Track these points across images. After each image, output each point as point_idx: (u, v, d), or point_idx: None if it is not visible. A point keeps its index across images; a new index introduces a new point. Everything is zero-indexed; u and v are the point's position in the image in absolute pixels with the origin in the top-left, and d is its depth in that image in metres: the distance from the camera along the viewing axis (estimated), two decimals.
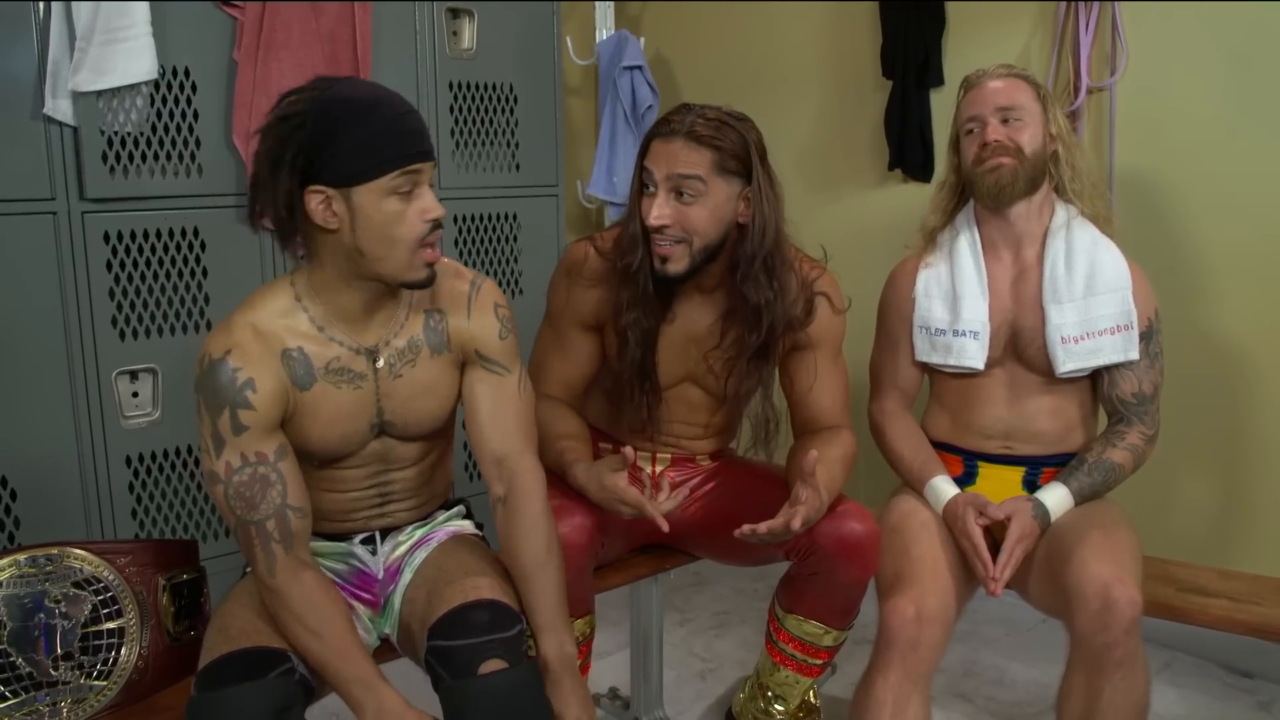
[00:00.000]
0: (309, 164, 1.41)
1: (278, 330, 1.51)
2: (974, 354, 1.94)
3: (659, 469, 2.00)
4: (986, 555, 1.80)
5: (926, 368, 2.05)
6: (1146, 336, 1.91)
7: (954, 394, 2.01)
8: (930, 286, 2.00)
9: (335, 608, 1.49)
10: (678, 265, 1.77)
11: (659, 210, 1.73)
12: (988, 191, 1.90)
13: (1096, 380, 1.96)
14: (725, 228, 1.78)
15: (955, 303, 1.96)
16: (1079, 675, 1.70)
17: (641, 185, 1.79)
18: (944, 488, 1.92)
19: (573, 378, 1.94)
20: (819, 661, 1.98)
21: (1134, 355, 1.89)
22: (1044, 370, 1.93)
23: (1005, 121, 1.88)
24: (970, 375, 1.97)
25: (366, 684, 1.43)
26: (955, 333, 1.95)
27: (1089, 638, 1.66)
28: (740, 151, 1.75)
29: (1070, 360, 1.89)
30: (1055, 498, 1.86)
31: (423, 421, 1.63)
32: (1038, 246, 1.94)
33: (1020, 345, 1.94)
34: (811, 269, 1.90)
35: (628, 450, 1.69)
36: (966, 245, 1.98)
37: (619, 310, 1.85)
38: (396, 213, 1.44)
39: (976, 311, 1.94)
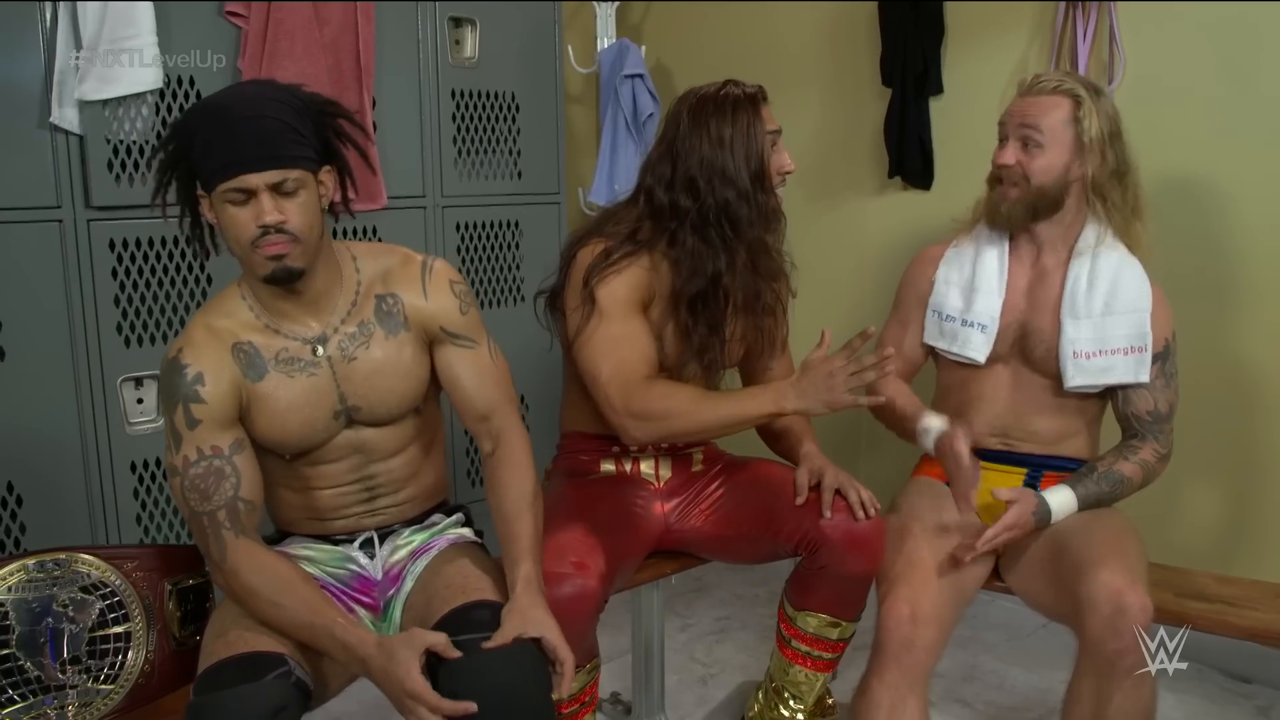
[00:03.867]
0: (190, 169, 1.51)
1: (229, 326, 1.58)
2: (978, 346, 1.97)
3: (663, 476, 2.03)
4: (967, 474, 1.80)
5: (933, 355, 2.08)
6: (1162, 357, 1.91)
7: (957, 389, 2.04)
8: (950, 273, 2.03)
9: (290, 573, 1.53)
10: None
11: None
12: (988, 214, 1.96)
13: (1110, 398, 1.97)
14: None
15: (971, 294, 1.99)
16: (1088, 681, 1.71)
17: (772, 145, 1.94)
18: (934, 421, 1.92)
19: (654, 356, 1.90)
20: (832, 655, 2.03)
21: (1144, 378, 1.90)
22: (1050, 374, 1.95)
23: (1025, 143, 1.89)
24: (973, 368, 1.99)
25: (330, 632, 1.47)
26: (964, 322, 1.98)
27: (1100, 644, 1.66)
28: None
29: (1080, 375, 1.91)
30: (1059, 499, 1.87)
31: (389, 401, 1.65)
32: (1063, 255, 1.96)
33: (1028, 345, 1.96)
34: None
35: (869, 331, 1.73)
36: (995, 241, 2.00)
37: (676, 275, 1.89)
38: (232, 218, 1.49)
39: (989, 306, 1.97)
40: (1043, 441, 1.98)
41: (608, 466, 2.03)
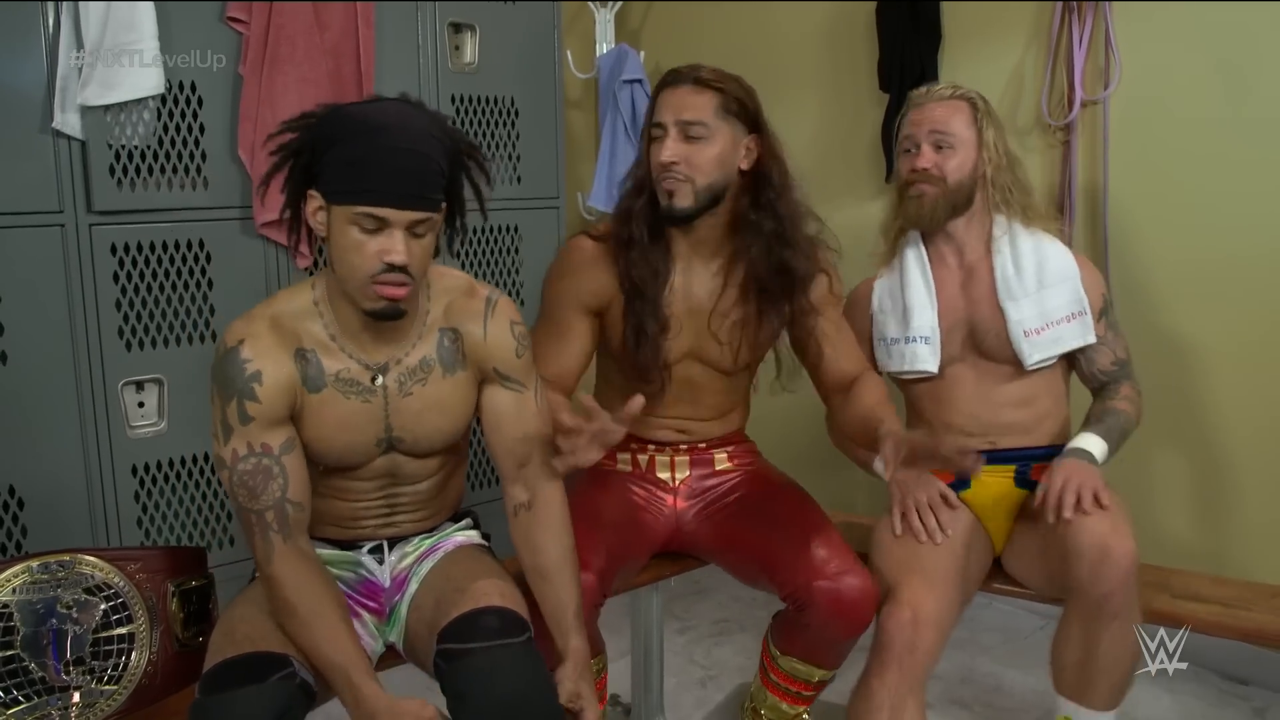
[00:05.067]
0: (309, 166, 1.47)
1: (295, 329, 1.55)
2: (926, 358, 2.02)
3: (679, 476, 2.03)
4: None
5: (894, 380, 2.10)
6: (1105, 311, 2.01)
7: (924, 399, 2.07)
8: (884, 302, 2.10)
9: (328, 598, 1.51)
10: (684, 201, 1.84)
11: (671, 149, 1.82)
12: (910, 216, 2.03)
13: (1072, 364, 2.05)
14: (728, 172, 1.87)
15: (905, 313, 2.04)
16: (1076, 626, 1.77)
17: (651, 137, 1.88)
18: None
19: (567, 366, 1.90)
20: (810, 694, 2.02)
21: (1092, 339, 1.99)
22: (1007, 359, 2.00)
23: (938, 147, 1.98)
24: (933, 378, 2.03)
25: (347, 675, 1.46)
26: (907, 340, 2.04)
27: (1087, 589, 1.72)
28: (743, 97, 1.86)
29: (1035, 351, 1.98)
30: (1088, 441, 1.92)
31: (433, 438, 1.64)
32: (981, 248, 2.04)
33: (979, 338, 2.02)
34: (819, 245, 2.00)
35: (636, 401, 1.61)
36: (914, 257, 2.06)
37: (625, 279, 1.88)
38: (356, 242, 1.44)
39: (925, 318, 2.02)
40: (1021, 431, 2.01)
41: (624, 460, 2.03)
